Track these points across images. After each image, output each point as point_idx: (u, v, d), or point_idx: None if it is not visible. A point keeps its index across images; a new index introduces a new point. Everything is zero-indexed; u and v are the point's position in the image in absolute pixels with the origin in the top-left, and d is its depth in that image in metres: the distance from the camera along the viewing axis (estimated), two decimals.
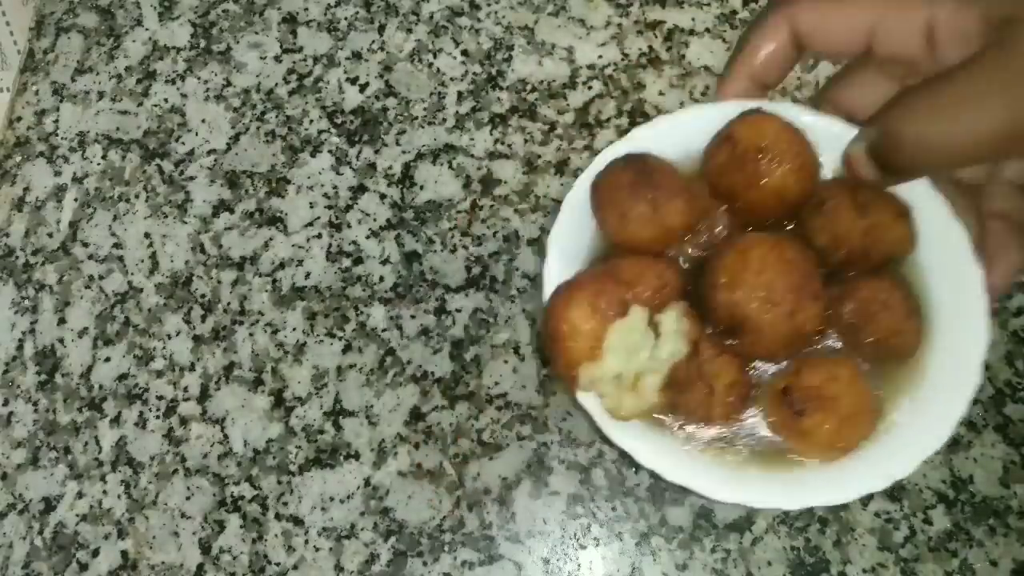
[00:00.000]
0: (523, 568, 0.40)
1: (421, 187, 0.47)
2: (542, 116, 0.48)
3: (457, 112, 0.48)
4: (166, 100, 0.50)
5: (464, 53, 0.50)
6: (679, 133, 0.33)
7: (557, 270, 0.32)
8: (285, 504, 0.41)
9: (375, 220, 0.46)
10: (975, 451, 0.40)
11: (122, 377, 0.44)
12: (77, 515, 0.42)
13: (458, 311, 0.44)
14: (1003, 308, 0.43)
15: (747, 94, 0.32)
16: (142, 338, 0.45)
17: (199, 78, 0.51)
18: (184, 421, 0.43)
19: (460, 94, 0.49)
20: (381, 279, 0.45)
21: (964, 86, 0.26)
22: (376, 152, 0.48)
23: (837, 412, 0.29)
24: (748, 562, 0.39)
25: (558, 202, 0.46)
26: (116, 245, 0.47)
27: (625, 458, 0.40)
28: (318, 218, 0.47)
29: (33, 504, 0.42)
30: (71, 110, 0.51)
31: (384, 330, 0.44)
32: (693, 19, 0.50)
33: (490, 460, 0.41)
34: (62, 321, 0.46)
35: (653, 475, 0.30)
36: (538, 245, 0.45)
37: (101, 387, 0.44)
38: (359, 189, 0.47)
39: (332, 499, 0.41)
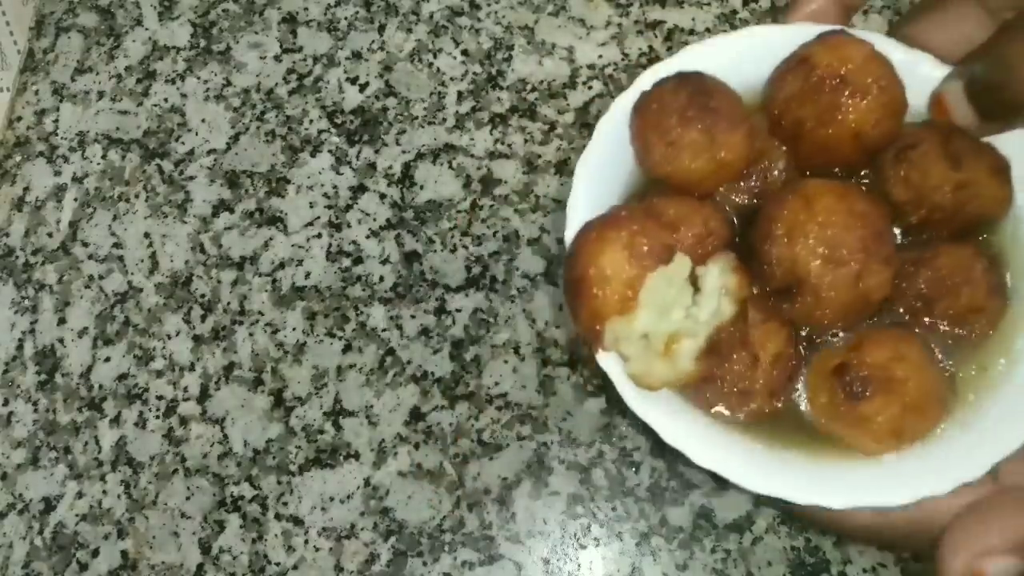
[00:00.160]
0: (523, 568, 0.40)
1: (421, 187, 0.47)
2: (542, 116, 0.48)
3: (457, 112, 0.48)
4: (166, 100, 0.50)
5: (464, 53, 0.50)
6: (737, 57, 0.28)
7: (585, 204, 0.27)
8: (285, 504, 0.41)
9: (375, 220, 0.46)
10: None
11: (122, 377, 0.44)
12: (77, 515, 0.42)
13: (458, 311, 0.44)
14: None
15: (825, 15, 0.28)
16: (142, 338, 0.45)
17: (199, 78, 0.51)
18: (184, 421, 0.43)
19: (460, 94, 0.49)
20: (381, 279, 0.45)
21: None
22: (376, 152, 0.48)
23: (903, 397, 0.25)
24: (748, 562, 0.39)
25: (558, 202, 0.46)
26: (116, 245, 0.47)
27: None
28: (318, 218, 0.47)
29: (33, 504, 0.42)
30: (71, 110, 0.51)
31: (384, 330, 0.44)
32: (693, 19, 0.50)
33: (490, 460, 0.41)
34: (62, 321, 0.46)
35: (678, 456, 0.27)
36: (538, 245, 0.45)
37: (101, 387, 0.44)
38: (359, 189, 0.47)
39: (332, 499, 0.41)
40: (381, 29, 0.51)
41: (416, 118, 0.49)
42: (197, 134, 0.49)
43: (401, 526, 0.41)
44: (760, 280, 0.26)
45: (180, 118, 0.50)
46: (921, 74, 0.27)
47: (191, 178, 0.48)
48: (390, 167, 0.48)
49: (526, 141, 0.47)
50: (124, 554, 0.41)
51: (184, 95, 0.50)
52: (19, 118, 0.51)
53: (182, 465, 0.43)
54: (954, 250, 0.26)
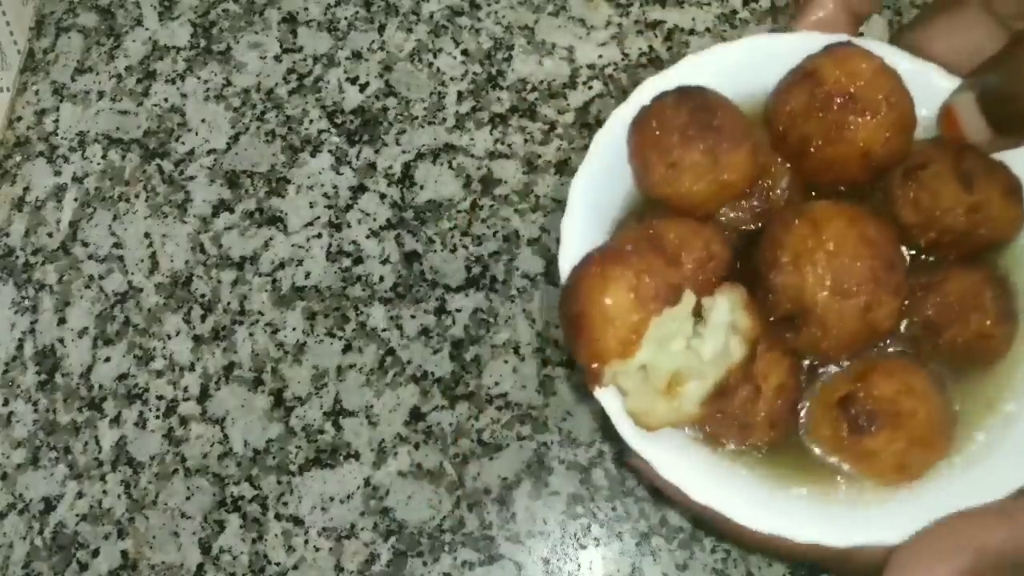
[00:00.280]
0: (523, 568, 0.40)
1: (421, 187, 0.47)
2: (542, 116, 0.48)
3: (457, 112, 0.48)
4: (166, 100, 0.50)
5: (464, 53, 0.50)
6: (740, 67, 0.27)
7: (581, 230, 0.26)
8: (285, 504, 0.41)
9: (375, 220, 0.46)
10: None
11: (122, 377, 0.44)
12: (77, 515, 0.42)
13: (458, 311, 0.44)
14: None
15: (832, 24, 0.26)
16: (142, 338, 0.45)
17: (199, 78, 0.51)
18: (184, 421, 0.43)
19: (460, 94, 0.49)
20: (381, 279, 0.45)
21: None
22: (376, 152, 0.48)
23: (909, 432, 0.24)
24: (748, 562, 0.39)
25: (558, 202, 0.46)
26: (116, 245, 0.47)
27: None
28: (318, 218, 0.47)
29: (33, 504, 0.42)
30: (71, 110, 0.51)
31: (384, 330, 0.44)
32: (693, 19, 0.50)
33: (490, 460, 0.41)
34: (62, 321, 0.46)
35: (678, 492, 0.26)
36: (538, 245, 0.45)
37: (101, 387, 0.44)
38: (359, 189, 0.47)
39: (332, 499, 0.41)
40: (381, 29, 0.51)
41: (416, 118, 0.49)
42: (197, 134, 0.49)
43: (401, 526, 0.41)
44: (763, 307, 0.25)
45: (180, 118, 0.50)
46: (929, 85, 0.26)
47: (191, 178, 0.48)
48: (390, 167, 0.48)
49: (526, 141, 0.47)
50: (124, 554, 0.41)
51: (184, 95, 0.50)
52: (19, 118, 0.51)
53: (182, 465, 0.43)
54: (963, 275, 0.25)
